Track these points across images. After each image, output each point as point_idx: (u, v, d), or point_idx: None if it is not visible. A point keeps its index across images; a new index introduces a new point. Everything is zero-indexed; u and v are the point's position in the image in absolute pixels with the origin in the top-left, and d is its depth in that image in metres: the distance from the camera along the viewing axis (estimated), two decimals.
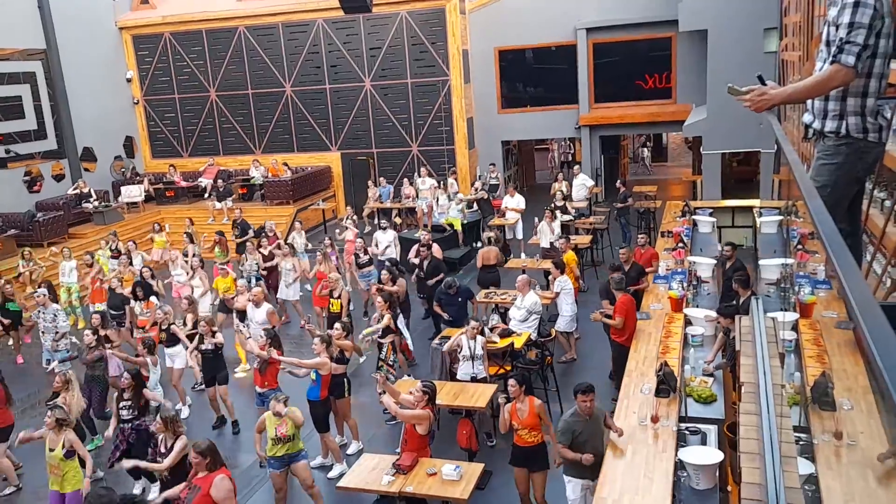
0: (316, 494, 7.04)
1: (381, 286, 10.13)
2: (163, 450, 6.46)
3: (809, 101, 3.37)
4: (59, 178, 18.82)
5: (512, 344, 8.70)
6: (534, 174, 24.41)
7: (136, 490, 7.75)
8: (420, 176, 17.65)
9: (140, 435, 7.36)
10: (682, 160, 26.40)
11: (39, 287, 11.19)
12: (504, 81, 20.57)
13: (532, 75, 20.76)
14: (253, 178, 19.11)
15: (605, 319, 8.53)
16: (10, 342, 11.98)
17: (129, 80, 20.94)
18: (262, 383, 8.05)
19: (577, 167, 17.90)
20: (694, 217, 12.87)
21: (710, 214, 13.19)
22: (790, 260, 7.39)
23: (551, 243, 12.50)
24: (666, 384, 6.43)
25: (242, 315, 10.02)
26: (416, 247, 11.97)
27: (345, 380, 8.06)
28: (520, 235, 15.04)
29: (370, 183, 17.69)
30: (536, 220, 13.43)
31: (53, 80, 18.41)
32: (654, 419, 6.08)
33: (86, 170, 19.45)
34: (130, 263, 12.64)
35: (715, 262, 10.33)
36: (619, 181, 16.50)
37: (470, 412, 7.64)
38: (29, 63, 18.04)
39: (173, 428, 6.45)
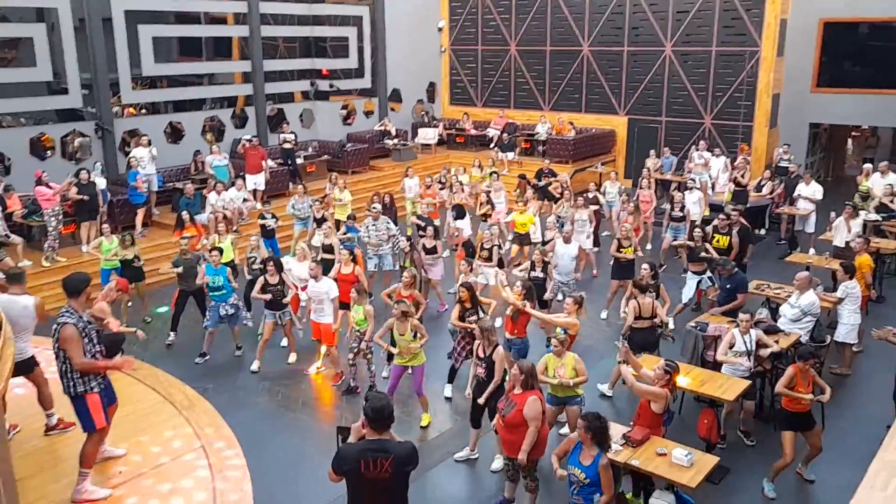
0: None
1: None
2: (481, 354, 7.07)
3: None
4: (368, 114, 20.92)
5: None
6: (843, 164, 21.71)
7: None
8: (698, 149, 16.62)
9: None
10: None
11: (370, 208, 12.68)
12: (825, 57, 18.34)
13: (861, 53, 18.22)
14: (538, 133, 19.52)
15: (894, 340, 7.49)
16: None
17: (440, 30, 22.33)
18: (512, 331, 8.39)
19: (883, 164, 15.23)
20: None
21: None
22: None
23: (847, 242, 11.18)
24: None
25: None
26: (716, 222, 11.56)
27: None
28: (810, 229, 13.61)
29: (652, 152, 17.13)
30: (833, 214, 12.05)
31: (376, 25, 20.31)
32: None
33: (392, 109, 21.36)
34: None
35: None
36: None
37: (714, 402, 7.27)
38: (358, 7, 20.11)
39: (488, 336, 7.04)
